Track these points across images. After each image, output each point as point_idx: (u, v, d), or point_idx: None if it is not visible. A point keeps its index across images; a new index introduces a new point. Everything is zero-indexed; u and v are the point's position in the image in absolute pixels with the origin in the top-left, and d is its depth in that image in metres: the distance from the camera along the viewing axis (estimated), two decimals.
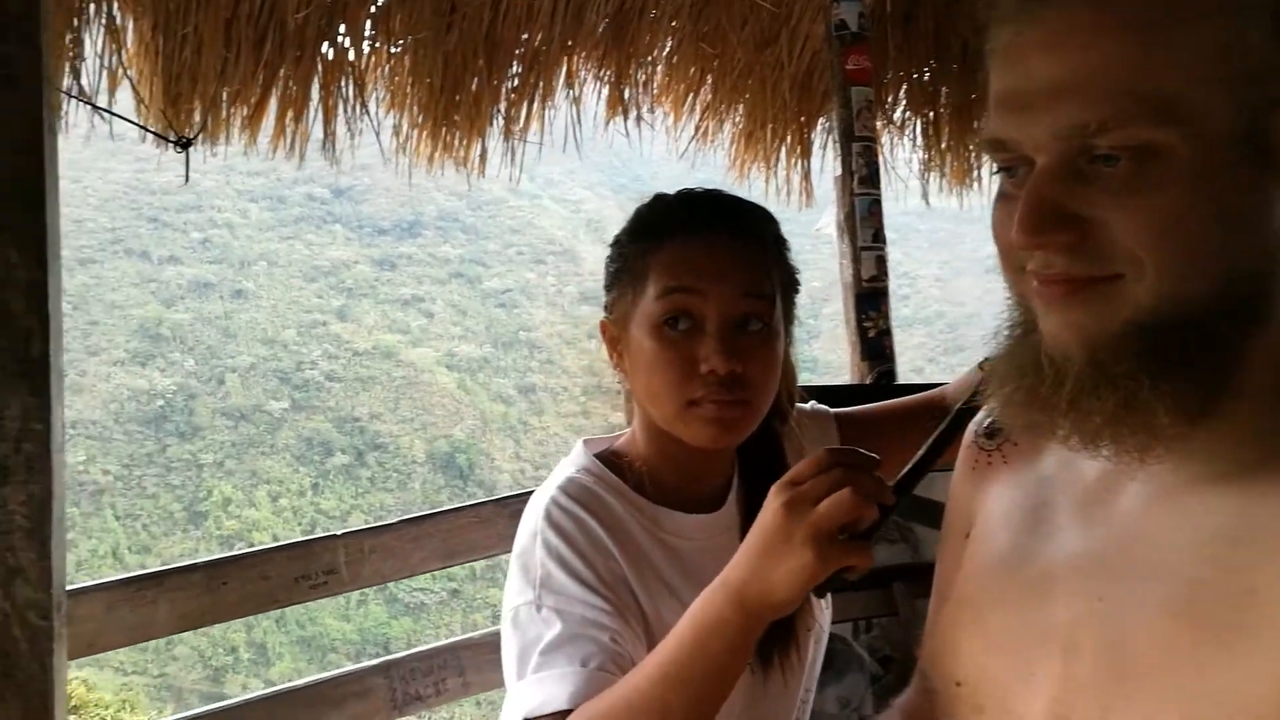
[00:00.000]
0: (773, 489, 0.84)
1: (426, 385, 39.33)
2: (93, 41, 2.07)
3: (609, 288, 1.17)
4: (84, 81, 2.12)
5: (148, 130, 2.02)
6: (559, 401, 41.15)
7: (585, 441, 1.22)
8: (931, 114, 3.25)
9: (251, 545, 30.46)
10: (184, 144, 2.02)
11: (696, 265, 1.07)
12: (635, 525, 1.10)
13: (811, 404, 1.34)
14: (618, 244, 1.18)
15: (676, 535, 1.12)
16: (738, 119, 3.07)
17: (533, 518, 1.10)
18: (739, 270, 1.08)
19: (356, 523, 32.56)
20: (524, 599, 1.03)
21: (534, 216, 49.67)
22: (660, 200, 1.18)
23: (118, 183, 40.53)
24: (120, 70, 2.12)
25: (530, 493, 2.22)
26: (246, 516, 32.34)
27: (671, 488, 1.14)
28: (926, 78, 3.22)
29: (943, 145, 3.28)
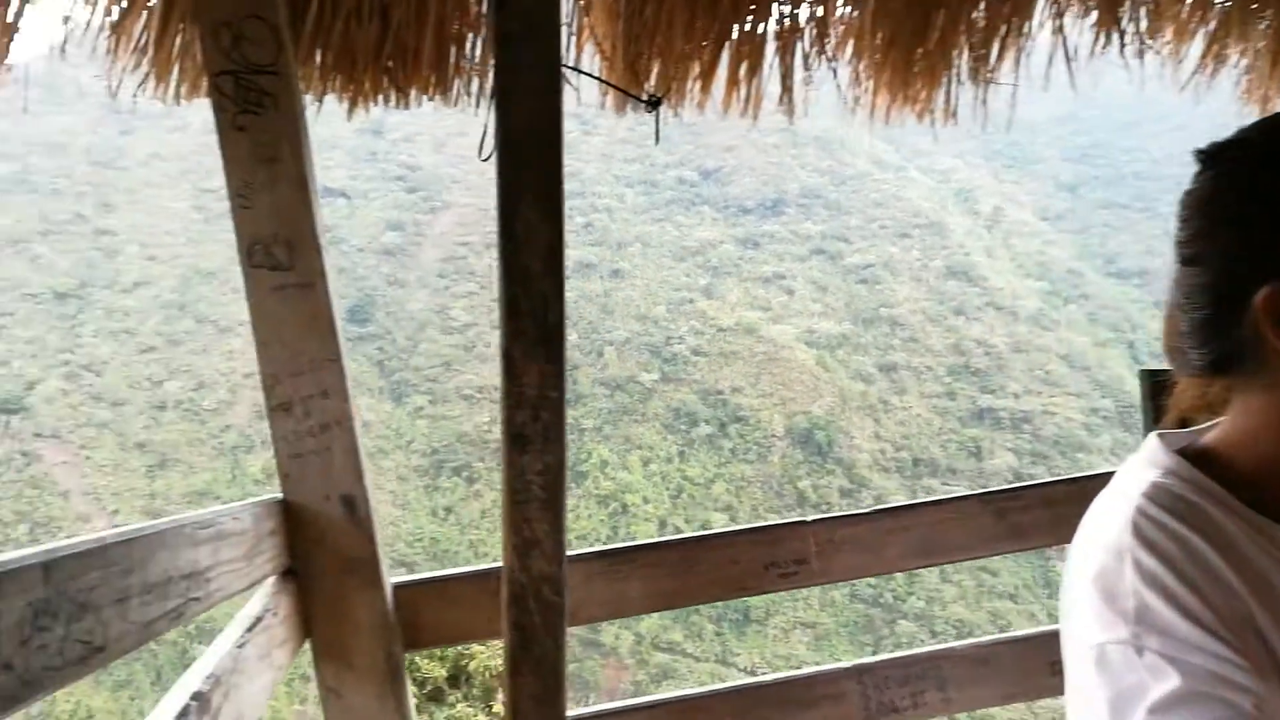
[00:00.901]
0: None
1: (786, 361, 39.71)
2: (565, 3, 2.06)
3: None
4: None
5: (622, 90, 1.96)
6: (922, 381, 39.63)
7: (1160, 436, 0.98)
8: None
9: (624, 506, 33.00)
10: (654, 103, 1.95)
11: None
12: (1249, 545, 0.87)
13: None
14: None
15: None
16: (1258, 41, 2.48)
17: (1113, 531, 0.89)
18: None
19: (720, 491, 34.12)
20: (1114, 635, 0.84)
21: (899, 189, 48.01)
22: None
23: None
24: (588, 31, 2.09)
25: (1007, 490, 1.93)
26: (620, 479, 34.99)
27: None
28: None
29: None
